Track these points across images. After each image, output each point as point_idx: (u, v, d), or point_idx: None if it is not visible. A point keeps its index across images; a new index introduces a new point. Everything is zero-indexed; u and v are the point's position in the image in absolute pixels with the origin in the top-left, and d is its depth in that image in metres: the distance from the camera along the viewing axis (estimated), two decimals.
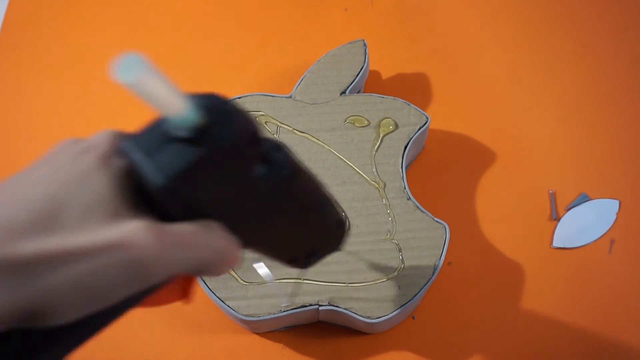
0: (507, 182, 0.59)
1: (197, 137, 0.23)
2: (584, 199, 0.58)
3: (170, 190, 0.23)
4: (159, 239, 0.23)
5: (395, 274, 0.49)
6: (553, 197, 0.58)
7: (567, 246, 0.56)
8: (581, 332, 0.52)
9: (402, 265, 0.50)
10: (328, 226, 0.36)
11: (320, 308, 0.49)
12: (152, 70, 0.20)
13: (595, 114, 0.63)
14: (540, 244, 0.56)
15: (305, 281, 0.49)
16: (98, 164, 0.24)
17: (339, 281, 0.49)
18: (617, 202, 0.58)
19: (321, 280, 0.49)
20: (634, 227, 0.56)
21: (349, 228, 0.38)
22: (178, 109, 0.22)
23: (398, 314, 0.48)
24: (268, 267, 0.49)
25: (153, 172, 0.23)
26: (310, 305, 0.48)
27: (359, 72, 0.59)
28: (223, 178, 0.24)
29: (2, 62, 0.68)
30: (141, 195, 0.24)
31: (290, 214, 0.31)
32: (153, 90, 0.21)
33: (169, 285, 0.27)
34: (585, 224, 0.56)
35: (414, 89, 0.65)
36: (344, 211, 0.37)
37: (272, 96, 0.57)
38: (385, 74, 0.66)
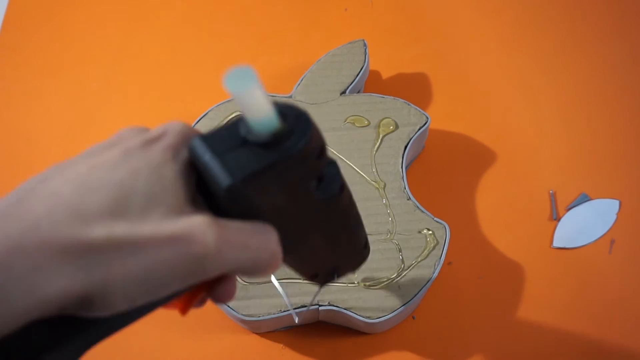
0: (507, 182, 0.59)
1: (272, 143, 0.23)
2: (584, 199, 0.58)
3: (236, 191, 0.23)
4: (221, 236, 0.23)
5: (395, 274, 0.49)
6: (553, 197, 0.58)
7: (567, 246, 0.56)
8: (581, 332, 0.52)
9: (402, 265, 0.50)
10: (357, 245, 0.36)
11: (320, 308, 0.49)
12: (256, 81, 0.21)
13: (596, 114, 0.63)
14: (540, 244, 0.56)
15: (305, 281, 0.49)
16: (167, 156, 0.24)
17: (338, 281, 0.49)
18: (617, 202, 0.58)
19: None
20: (634, 227, 0.56)
21: (369, 251, 0.39)
22: (264, 112, 0.22)
23: (398, 314, 0.48)
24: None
25: (221, 172, 0.23)
26: (310, 305, 0.48)
27: (359, 72, 0.59)
28: (284, 187, 0.25)
29: (2, 62, 0.68)
30: (202, 191, 0.25)
31: (329, 229, 0.31)
32: (254, 99, 0.22)
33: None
34: (585, 224, 0.56)
35: (414, 89, 0.65)
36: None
37: (272, 96, 0.57)
38: (385, 74, 0.66)
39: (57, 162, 0.24)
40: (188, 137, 0.25)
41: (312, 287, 0.49)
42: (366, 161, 0.54)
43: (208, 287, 0.28)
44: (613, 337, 0.52)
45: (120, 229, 0.21)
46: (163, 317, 0.53)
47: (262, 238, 0.25)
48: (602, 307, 0.53)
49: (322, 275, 0.36)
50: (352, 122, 0.56)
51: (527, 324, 0.53)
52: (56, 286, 0.20)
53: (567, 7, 0.70)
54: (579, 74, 0.65)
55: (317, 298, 0.47)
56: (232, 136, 0.24)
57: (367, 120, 0.56)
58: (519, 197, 0.58)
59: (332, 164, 0.28)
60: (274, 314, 0.48)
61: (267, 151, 0.23)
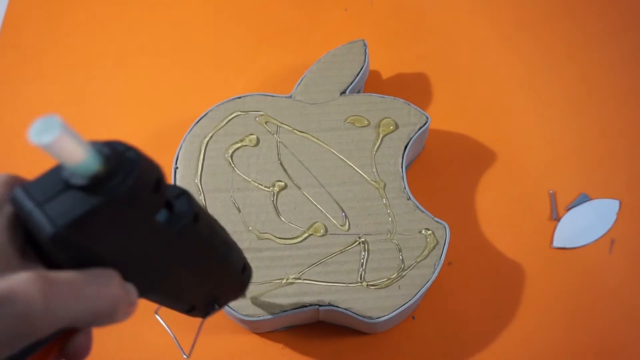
0: (507, 182, 0.59)
1: (94, 185, 0.22)
2: (584, 199, 0.58)
3: (61, 240, 0.22)
4: (48, 290, 0.22)
5: (395, 274, 0.49)
6: (553, 197, 0.58)
7: (567, 246, 0.56)
8: (581, 332, 0.52)
9: (402, 265, 0.50)
10: (232, 272, 0.35)
11: (320, 308, 0.49)
12: (61, 129, 0.20)
13: (596, 114, 0.63)
14: (540, 244, 0.56)
15: (305, 281, 0.49)
16: None
17: (339, 281, 0.49)
18: (617, 202, 0.58)
19: (321, 280, 0.49)
20: (634, 227, 0.56)
21: (252, 273, 0.37)
22: (77, 157, 0.21)
23: (398, 314, 0.48)
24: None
25: (43, 222, 0.22)
26: (310, 305, 0.48)
27: (359, 72, 0.59)
28: (120, 226, 0.24)
29: (2, 62, 0.68)
30: (30, 243, 0.23)
31: (192, 262, 0.30)
32: (62, 147, 0.21)
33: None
34: (585, 224, 0.56)
35: (414, 89, 0.65)
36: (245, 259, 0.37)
37: (272, 96, 0.57)
38: (385, 74, 0.66)
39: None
40: (12, 187, 0.24)
41: (312, 287, 0.49)
42: (366, 161, 0.54)
43: (58, 346, 0.26)
44: (613, 336, 0.52)
45: None
46: (163, 317, 0.53)
47: (100, 285, 0.24)
48: (602, 307, 0.53)
49: (199, 308, 0.35)
50: (352, 122, 0.56)
51: (527, 324, 0.53)
52: None
53: (567, 7, 0.70)
54: (579, 74, 0.65)
55: (198, 334, 0.42)
56: (55, 182, 0.23)
57: (367, 120, 0.56)
58: (519, 197, 0.58)
59: (183, 195, 0.27)
60: (274, 314, 0.48)
61: (91, 194, 0.22)
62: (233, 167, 0.54)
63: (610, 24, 0.68)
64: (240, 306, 0.48)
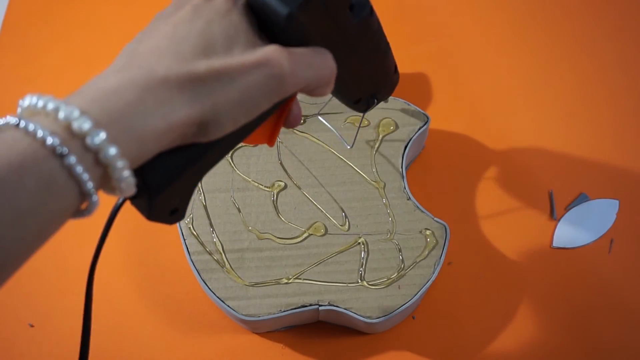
0: (507, 182, 0.59)
1: None
2: (584, 199, 0.58)
3: (293, 19, 0.28)
4: (291, 58, 0.28)
5: (395, 274, 0.49)
6: (553, 197, 0.58)
7: (567, 246, 0.56)
8: (581, 332, 0.52)
9: (402, 265, 0.50)
10: (388, 70, 0.43)
11: (320, 308, 0.49)
12: None
13: (596, 114, 0.63)
14: (540, 244, 0.56)
15: (305, 281, 0.49)
16: (229, 4, 0.29)
17: (339, 281, 0.49)
18: (617, 202, 0.58)
19: (321, 280, 0.49)
20: (634, 227, 0.57)
21: (399, 77, 0.46)
22: None
23: (398, 314, 0.48)
24: (256, 267, 0.49)
25: (278, 4, 0.28)
26: (310, 305, 0.48)
27: None
28: (327, 14, 0.31)
29: (2, 62, 0.68)
30: (263, 30, 0.30)
31: (365, 52, 0.37)
32: None
33: (261, 129, 0.32)
34: (585, 224, 0.56)
35: (414, 89, 0.65)
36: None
37: None
38: None
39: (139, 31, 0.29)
40: None
41: (312, 287, 0.49)
42: (366, 161, 0.54)
43: (285, 113, 0.34)
44: (613, 336, 0.52)
45: (216, 63, 0.27)
46: (163, 317, 0.53)
47: (322, 57, 0.31)
48: (602, 307, 0.53)
49: (364, 100, 0.43)
50: (352, 122, 0.56)
51: (527, 324, 0.53)
52: (180, 114, 0.25)
53: (567, 7, 0.70)
54: (579, 74, 0.65)
55: (360, 127, 0.54)
56: None
57: (367, 120, 0.56)
58: (519, 197, 0.58)
59: None
60: (274, 314, 0.48)
61: None
62: (233, 167, 0.54)
63: (609, 24, 0.68)
64: (240, 306, 0.48)
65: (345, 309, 0.48)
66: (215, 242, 0.51)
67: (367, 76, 0.40)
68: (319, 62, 0.30)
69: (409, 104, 0.57)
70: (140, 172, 0.26)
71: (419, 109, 0.57)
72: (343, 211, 0.52)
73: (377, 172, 0.54)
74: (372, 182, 0.54)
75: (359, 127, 0.53)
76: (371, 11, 0.35)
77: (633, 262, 0.55)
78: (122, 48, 0.29)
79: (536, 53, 0.67)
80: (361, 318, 0.48)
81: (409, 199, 0.53)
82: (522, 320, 0.53)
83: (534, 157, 0.61)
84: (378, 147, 0.55)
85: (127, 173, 0.24)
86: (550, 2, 0.70)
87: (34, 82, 0.67)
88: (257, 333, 0.53)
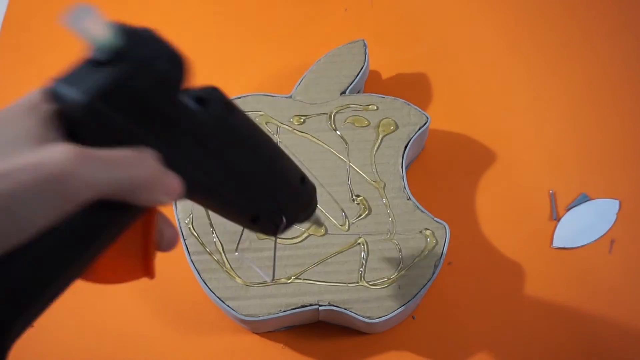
0: (507, 182, 0.59)
1: (116, 58, 0.24)
2: (584, 199, 0.58)
3: (91, 109, 0.23)
4: (79, 155, 0.23)
5: (395, 274, 0.49)
6: (553, 197, 0.58)
7: (567, 246, 0.56)
8: (581, 332, 0.52)
9: (402, 265, 0.50)
10: (288, 180, 0.34)
11: (320, 308, 0.49)
12: (90, 10, 0.24)
13: (596, 114, 0.63)
14: (540, 244, 0.56)
15: (305, 281, 0.49)
16: (24, 109, 0.26)
17: (339, 281, 0.49)
18: (617, 202, 0.58)
19: (321, 280, 0.49)
20: (634, 227, 0.56)
21: (315, 187, 0.37)
22: (99, 35, 0.24)
23: (398, 314, 0.48)
24: (269, 267, 0.49)
25: (73, 94, 0.24)
26: (310, 305, 0.48)
27: (359, 72, 0.59)
28: (148, 102, 0.25)
29: (2, 62, 0.68)
30: (72, 136, 0.25)
31: (235, 155, 0.30)
32: (86, 24, 0.24)
33: (128, 260, 0.27)
34: (585, 224, 0.56)
35: (414, 89, 0.65)
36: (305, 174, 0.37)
37: (272, 96, 0.57)
38: (385, 74, 0.66)
39: None
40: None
41: (312, 287, 0.49)
42: (366, 161, 0.54)
43: (149, 241, 0.28)
44: (613, 336, 0.52)
45: None
46: (163, 317, 0.53)
47: (135, 157, 0.25)
48: (602, 307, 0.53)
49: (264, 218, 0.34)
50: (352, 122, 0.56)
51: (527, 323, 0.53)
52: None
53: (567, 7, 0.70)
54: (579, 74, 0.65)
55: (275, 257, 0.43)
56: (86, 65, 0.25)
57: (367, 120, 0.56)
58: (519, 197, 0.58)
59: (214, 90, 0.28)
60: (274, 314, 0.48)
61: (112, 67, 0.24)
62: None
63: (610, 24, 0.68)
64: (240, 306, 0.48)
65: (345, 309, 0.48)
66: (215, 242, 0.51)
67: (255, 189, 0.32)
68: (129, 161, 0.24)
69: (409, 104, 0.57)
70: None
71: (419, 109, 0.57)
72: (343, 211, 0.52)
73: (377, 172, 0.54)
74: (372, 182, 0.54)
75: (275, 257, 0.45)
76: (228, 106, 0.28)
77: (633, 262, 0.55)
78: None
79: (536, 52, 0.67)
80: (361, 318, 0.48)
81: (409, 199, 0.53)
82: (522, 320, 0.53)
83: (534, 157, 0.61)
84: (378, 147, 0.55)
85: None
86: (551, 2, 0.70)
87: (34, 82, 0.67)
88: (257, 333, 0.53)
